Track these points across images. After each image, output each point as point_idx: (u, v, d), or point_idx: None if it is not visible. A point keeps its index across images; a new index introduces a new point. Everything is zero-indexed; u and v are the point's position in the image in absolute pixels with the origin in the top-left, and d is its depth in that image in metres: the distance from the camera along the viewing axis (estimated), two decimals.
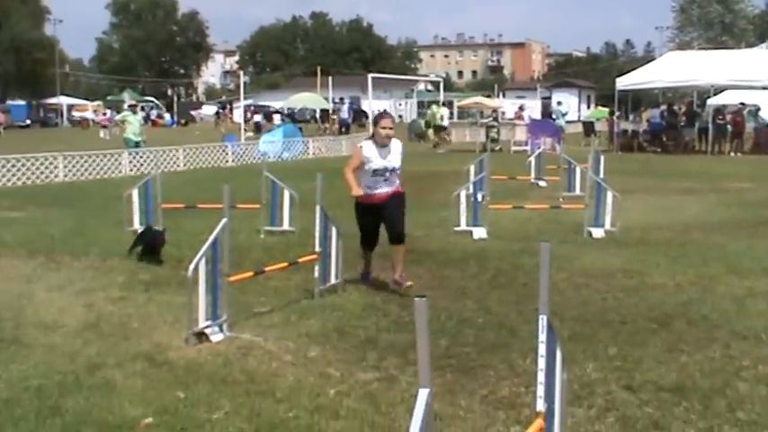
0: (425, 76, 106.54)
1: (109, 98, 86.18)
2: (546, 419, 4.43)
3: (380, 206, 9.51)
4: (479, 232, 13.25)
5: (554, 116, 44.36)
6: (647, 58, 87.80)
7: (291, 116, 59.96)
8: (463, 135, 44.16)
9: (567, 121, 46.09)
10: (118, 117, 32.87)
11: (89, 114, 75.07)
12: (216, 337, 7.53)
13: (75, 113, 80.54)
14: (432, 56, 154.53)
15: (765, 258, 11.27)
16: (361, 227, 9.82)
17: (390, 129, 9.48)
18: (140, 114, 29.50)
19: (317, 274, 9.07)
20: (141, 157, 25.69)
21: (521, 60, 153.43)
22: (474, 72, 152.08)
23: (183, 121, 79.71)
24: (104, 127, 53.42)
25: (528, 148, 34.48)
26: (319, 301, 8.95)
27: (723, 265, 10.82)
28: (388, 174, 9.45)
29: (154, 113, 77.91)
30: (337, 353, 7.20)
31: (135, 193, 13.66)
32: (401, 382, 6.36)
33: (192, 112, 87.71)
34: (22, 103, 77.92)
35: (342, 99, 57.46)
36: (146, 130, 29.16)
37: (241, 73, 53.81)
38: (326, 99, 56.32)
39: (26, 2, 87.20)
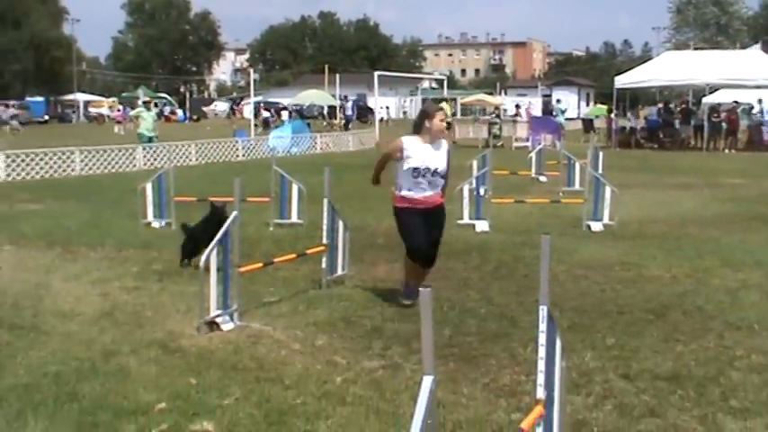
0: (430, 74, 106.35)
1: (124, 95, 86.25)
2: (545, 407, 4.43)
3: (425, 213, 8.25)
4: (482, 225, 13.24)
5: (554, 113, 44.30)
6: (645, 57, 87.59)
7: (300, 112, 59.93)
8: (466, 131, 44.09)
9: (567, 119, 46.01)
10: (132, 113, 32.83)
11: (105, 110, 75.13)
12: (227, 325, 7.54)
13: (92, 109, 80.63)
14: (436, 54, 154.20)
15: (758, 252, 11.27)
16: (408, 233, 8.32)
17: (443, 122, 8.33)
18: (154, 110, 29.50)
19: (324, 265, 9.08)
20: (155, 151, 25.71)
21: (522, 59, 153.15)
22: (477, 70, 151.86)
23: (195, 117, 79.68)
24: (119, 123, 53.39)
25: (529, 144, 34.46)
26: (326, 291, 8.95)
27: (717, 258, 10.81)
28: (430, 176, 8.13)
29: (167, 110, 77.93)
30: (344, 341, 7.20)
31: (149, 186, 13.66)
32: (405, 370, 6.37)
33: (206, 108, 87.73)
34: (40, 99, 77.97)
35: (345, 97, 57.38)
36: (159, 125, 29.21)
37: (251, 70, 53.82)
38: (334, 96, 56.29)
39: (45, 2, 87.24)
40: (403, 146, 8.20)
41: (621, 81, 38.40)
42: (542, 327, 4.40)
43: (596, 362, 6.53)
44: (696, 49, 59.87)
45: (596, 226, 13.26)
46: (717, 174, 23.54)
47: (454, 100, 58.25)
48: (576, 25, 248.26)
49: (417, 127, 8.29)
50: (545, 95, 64.57)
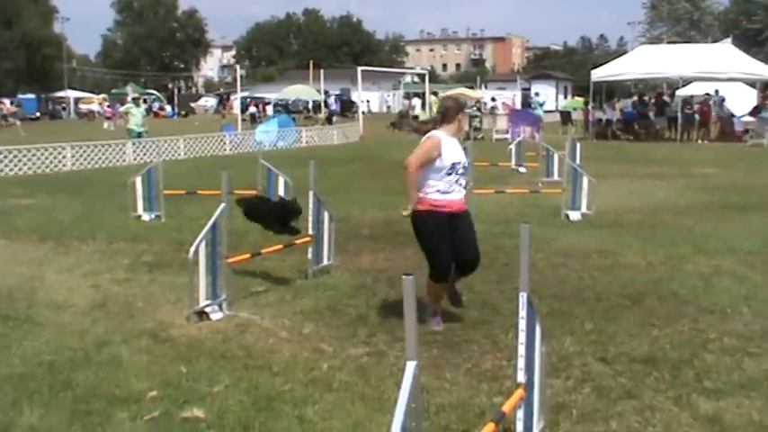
0: (412, 68, 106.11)
1: (113, 91, 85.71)
2: (526, 390, 4.45)
3: (450, 219, 7.06)
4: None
5: (533, 106, 44.33)
6: (620, 51, 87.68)
7: (286, 107, 59.81)
8: None
9: (546, 111, 46.03)
10: (122, 109, 32.67)
11: (95, 107, 74.62)
12: (216, 315, 7.54)
13: (82, 106, 79.93)
14: (417, 50, 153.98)
15: (730, 239, 11.33)
16: (433, 247, 7.10)
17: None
18: (143, 106, 29.35)
19: (310, 255, 9.09)
20: (144, 146, 25.60)
21: (501, 54, 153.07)
22: (458, 65, 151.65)
23: (183, 113, 79.29)
24: (109, 119, 53.09)
25: (509, 136, 34.50)
26: (313, 281, 8.96)
27: (691, 246, 10.87)
28: (462, 170, 7.09)
29: (156, 106, 77.39)
30: (330, 329, 7.21)
31: (138, 180, 13.62)
32: (390, 357, 6.38)
33: (193, 104, 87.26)
34: (32, 96, 77.38)
35: (327, 92, 57.32)
36: (148, 121, 29.08)
37: (237, 67, 53.61)
38: (318, 91, 56.22)
39: (36, 1, 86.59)
40: (440, 141, 6.98)
41: (598, 74, 38.45)
42: (522, 313, 4.42)
43: (575, 346, 6.57)
44: (669, 43, 59.99)
45: (574, 215, 13.30)
46: (690, 164, 23.63)
47: (435, 94, 58.25)
48: (553, 20, 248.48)
49: (441, 121, 7.19)
50: (524, 89, 64.40)
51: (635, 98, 41.62)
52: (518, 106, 48.98)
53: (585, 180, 13.54)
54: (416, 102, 51.08)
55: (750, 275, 9.21)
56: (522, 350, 4.45)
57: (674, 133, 36.04)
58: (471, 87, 62.13)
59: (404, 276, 3.21)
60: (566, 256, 10.16)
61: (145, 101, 39.42)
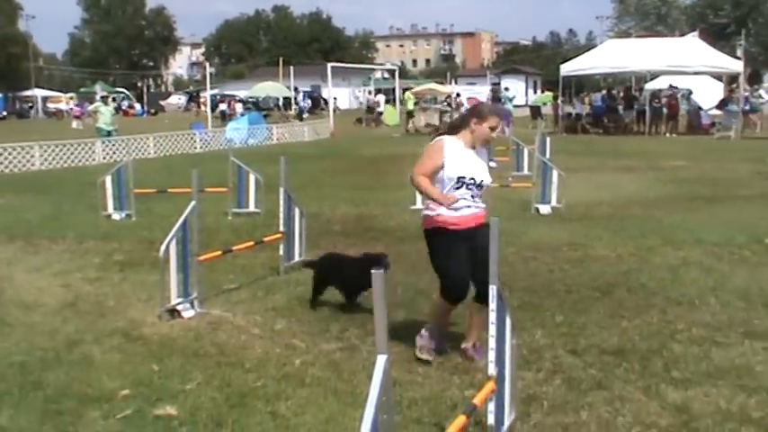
0: (382, 64, 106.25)
1: (82, 90, 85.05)
2: (497, 382, 4.49)
3: (468, 236, 6.05)
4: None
5: (503, 101, 44.48)
6: (589, 45, 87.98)
7: (256, 104, 59.68)
8: (418, 120, 44.13)
9: (515, 106, 46.24)
10: (90, 108, 32.50)
11: (63, 106, 74.02)
12: (187, 313, 7.53)
13: (50, 105, 79.37)
14: (387, 45, 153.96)
15: (698, 230, 11.44)
16: (445, 265, 6.10)
17: (496, 130, 6.24)
18: (112, 105, 29.20)
19: (281, 252, 9.09)
20: (113, 145, 25.47)
21: (471, 49, 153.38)
22: (427, 60, 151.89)
23: (152, 111, 78.90)
24: (77, 117, 52.71)
25: None
26: (284, 277, 8.96)
27: (659, 238, 10.97)
28: (476, 188, 6.14)
29: (125, 104, 76.88)
30: (302, 325, 7.22)
31: (108, 179, 13.54)
32: (362, 351, 6.40)
33: (163, 102, 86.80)
34: None
35: (296, 89, 57.30)
36: (117, 119, 28.90)
37: (207, 64, 53.37)
38: (288, 88, 56.12)
39: None
40: (445, 150, 6.11)
41: (567, 69, 38.62)
42: (492, 306, 4.46)
43: (546, 339, 6.62)
44: (637, 37, 60.34)
45: (544, 209, 13.38)
46: (659, 157, 23.81)
47: (405, 90, 58.39)
48: (522, 15, 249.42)
49: (457, 127, 6.29)
50: (494, 84, 64.68)
51: (604, 92, 41.91)
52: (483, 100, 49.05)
53: (555, 174, 13.62)
54: (380, 98, 51.10)
55: (717, 266, 9.32)
56: (492, 343, 4.48)
57: (643, 127, 36.31)
58: (441, 83, 62.31)
59: (373, 271, 3.23)
60: (536, 250, 10.22)
61: (114, 99, 39.16)
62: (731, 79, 41.13)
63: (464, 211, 6.06)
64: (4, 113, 71.98)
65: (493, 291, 4.44)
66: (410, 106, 42.39)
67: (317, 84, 76.98)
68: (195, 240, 7.75)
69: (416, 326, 7.06)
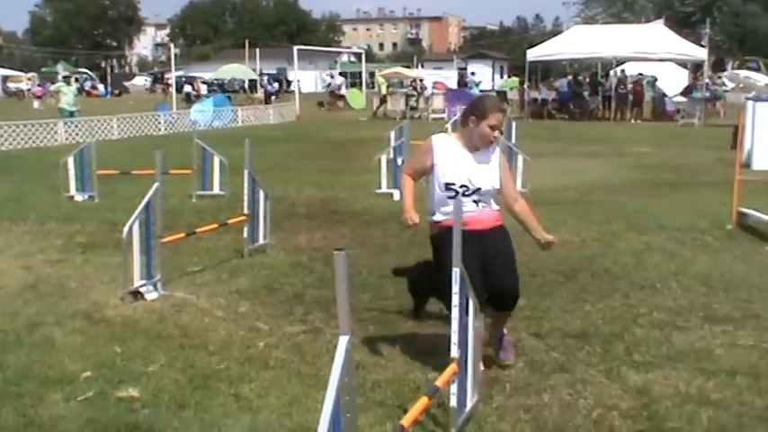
0: (348, 48, 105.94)
1: (43, 70, 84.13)
2: (459, 365, 4.52)
3: (482, 239, 5.48)
4: (400, 194, 13.29)
5: (469, 86, 44.61)
6: (555, 31, 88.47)
7: (221, 86, 59.32)
8: (393, 103, 44.13)
9: (482, 91, 46.31)
10: (52, 88, 32.18)
11: (24, 85, 73.12)
12: (150, 295, 7.50)
13: (11, 85, 78.32)
14: (354, 29, 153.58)
15: (661, 216, 11.57)
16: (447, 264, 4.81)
17: (499, 129, 5.58)
18: (74, 85, 28.95)
19: (246, 234, 9.08)
20: (76, 126, 25.24)
21: (438, 33, 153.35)
22: (394, 44, 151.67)
23: (116, 92, 78.20)
24: (39, 98, 52.21)
25: (445, 115, 34.63)
26: (248, 260, 8.95)
27: (623, 223, 11.08)
28: (475, 195, 5.52)
29: (88, 85, 76.12)
30: (266, 308, 7.22)
31: (70, 160, 13.43)
32: (326, 334, 6.42)
33: (127, 83, 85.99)
34: None
35: (261, 71, 57.00)
36: (80, 100, 28.66)
37: (171, 45, 52.74)
38: (254, 70, 55.82)
39: None
40: (432, 148, 5.66)
41: (533, 54, 38.76)
42: (455, 288, 4.48)
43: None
44: (604, 23, 60.65)
45: None
46: (624, 143, 24.01)
47: (372, 74, 58.33)
48: (489, 0, 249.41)
49: (462, 124, 5.70)
50: (460, 68, 64.69)
51: (570, 78, 42.09)
52: (453, 85, 49.16)
53: (521, 159, 13.70)
54: (340, 80, 50.94)
55: (680, 251, 9.43)
56: (455, 325, 4.51)
57: (608, 113, 36.61)
58: (408, 67, 62.18)
59: (335, 251, 3.24)
60: None
61: (77, 80, 38.81)
62: (696, 67, 41.49)
63: (468, 214, 5.28)
64: None
65: (455, 274, 4.46)
66: (384, 90, 42.38)
67: (282, 66, 76.67)
68: (159, 222, 7.71)
69: (381, 309, 7.11)
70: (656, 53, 36.52)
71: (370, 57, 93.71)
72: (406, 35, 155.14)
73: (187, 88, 53.48)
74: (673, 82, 42.40)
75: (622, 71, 38.82)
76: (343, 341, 3.24)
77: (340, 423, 3.22)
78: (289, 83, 63.84)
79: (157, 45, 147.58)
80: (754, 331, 6.52)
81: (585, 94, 38.28)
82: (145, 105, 39.91)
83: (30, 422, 4.85)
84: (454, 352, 4.49)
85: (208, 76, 64.53)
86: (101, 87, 78.82)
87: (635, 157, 20.07)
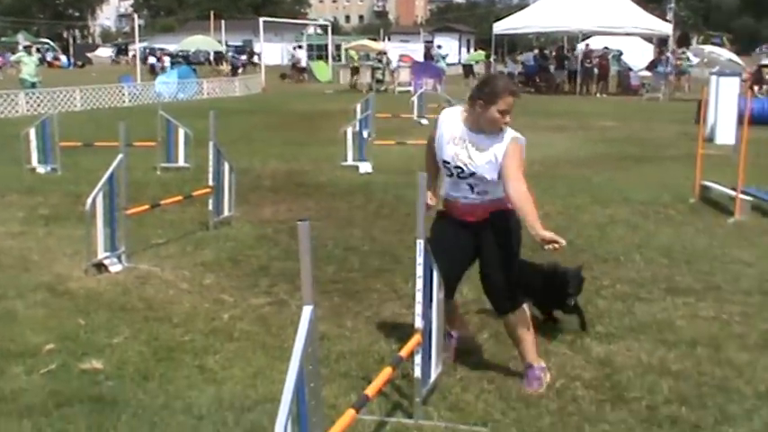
0: (315, 20, 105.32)
1: (3, 40, 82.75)
2: (423, 335, 4.55)
3: (462, 227, 5.11)
4: (365, 167, 13.31)
5: (435, 59, 44.54)
6: (522, 4, 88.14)
7: (186, 58, 58.82)
8: (347, 76, 44.04)
9: (448, 64, 46.38)
10: (13, 58, 31.78)
11: None
12: (115, 267, 7.46)
13: None
14: (320, 1, 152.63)
15: (626, 189, 11.67)
16: (433, 253, 4.62)
17: (509, 113, 5.08)
18: (36, 56, 28.55)
19: (210, 206, 9.04)
20: (38, 97, 24.90)
21: (404, 6, 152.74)
22: (360, 17, 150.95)
23: (80, 63, 77.17)
24: None
25: (411, 88, 34.59)
26: (213, 232, 8.93)
27: (588, 196, 11.16)
28: (471, 178, 5.01)
29: (50, 55, 75.04)
30: (231, 280, 7.22)
31: (32, 132, 13.26)
32: (291, 306, 6.42)
33: (90, 54, 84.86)
34: None
35: (227, 43, 56.57)
36: (42, 71, 28.30)
37: (135, 16, 52.24)
38: (219, 42, 55.43)
39: None
40: (441, 121, 5.22)
41: (500, 27, 38.78)
42: (420, 260, 4.49)
43: (474, 294, 6.68)
44: None
45: None
46: (589, 116, 24.13)
47: (338, 46, 58.13)
48: None
49: (469, 107, 5.10)
50: (427, 41, 64.52)
51: (536, 52, 42.18)
52: (419, 58, 49.06)
53: None
54: (301, 53, 50.74)
55: (643, 224, 9.53)
56: (419, 297, 4.53)
57: (574, 86, 36.70)
58: (374, 39, 61.97)
59: (299, 222, 3.24)
60: None
61: (38, 50, 38.29)
62: (661, 41, 41.69)
63: (459, 201, 5.09)
64: None
65: (419, 245, 4.47)
66: (356, 62, 42.27)
67: (248, 38, 76.07)
68: (123, 194, 7.66)
69: (345, 280, 7.12)
70: (621, 27, 36.66)
71: (337, 29, 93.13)
72: (372, 8, 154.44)
73: (151, 60, 52.93)
74: (638, 56, 42.60)
75: (587, 45, 38.96)
76: (306, 311, 3.25)
77: (304, 393, 3.23)
78: (254, 55, 63.43)
79: (121, 16, 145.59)
80: (715, 303, 6.62)
81: (551, 67, 38.37)
82: (108, 77, 39.48)
83: None
84: (418, 323, 4.51)
85: (172, 47, 63.90)
86: (63, 58, 77.70)
87: (600, 131, 20.18)
